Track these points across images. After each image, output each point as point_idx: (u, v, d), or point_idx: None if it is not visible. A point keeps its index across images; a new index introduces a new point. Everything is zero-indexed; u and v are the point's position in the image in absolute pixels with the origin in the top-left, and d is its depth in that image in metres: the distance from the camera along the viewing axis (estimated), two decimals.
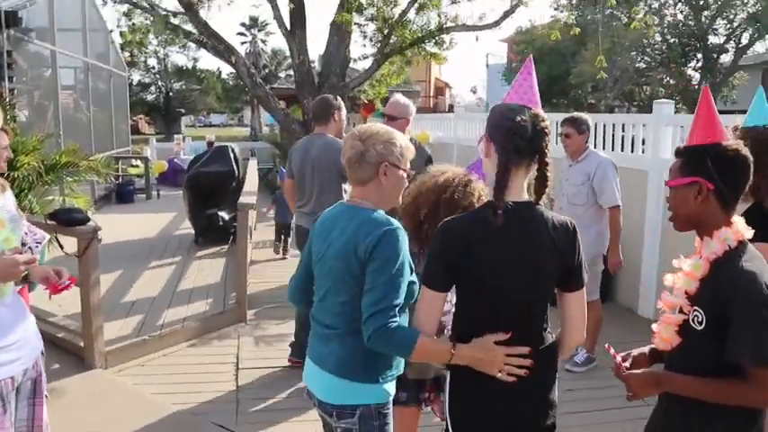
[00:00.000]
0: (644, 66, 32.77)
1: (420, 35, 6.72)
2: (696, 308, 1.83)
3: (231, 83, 47.89)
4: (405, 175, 2.13)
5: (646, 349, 2.12)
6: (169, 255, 7.87)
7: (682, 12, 30.85)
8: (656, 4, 30.44)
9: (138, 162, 14.53)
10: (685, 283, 1.88)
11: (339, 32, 6.79)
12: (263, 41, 44.95)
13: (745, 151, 1.85)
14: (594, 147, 7.52)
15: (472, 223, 1.88)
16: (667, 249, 5.98)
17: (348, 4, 6.23)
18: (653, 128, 6.39)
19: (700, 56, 32.58)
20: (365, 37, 6.81)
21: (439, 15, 6.64)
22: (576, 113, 4.97)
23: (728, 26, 30.88)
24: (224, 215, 8.26)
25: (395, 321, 1.88)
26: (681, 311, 1.90)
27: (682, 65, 32.79)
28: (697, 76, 33.05)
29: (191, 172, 8.37)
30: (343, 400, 2.06)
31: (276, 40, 54.43)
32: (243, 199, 5.76)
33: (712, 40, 31.96)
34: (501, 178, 1.83)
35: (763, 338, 1.71)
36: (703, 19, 30.30)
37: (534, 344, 1.91)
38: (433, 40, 6.69)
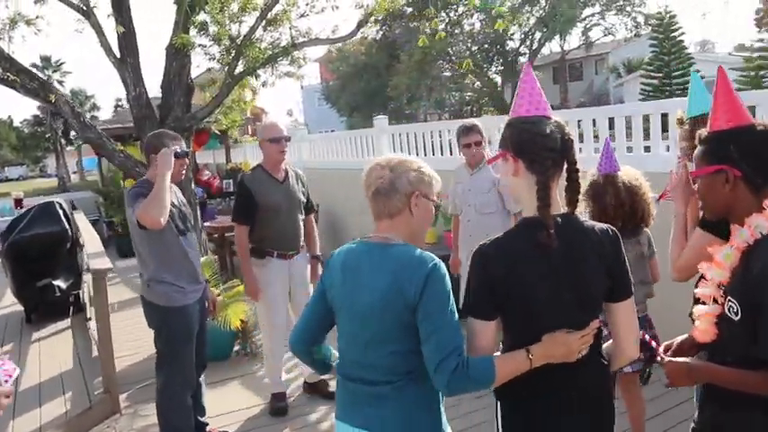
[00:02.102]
0: (451, 74, 34.62)
1: (272, 53, 6.08)
2: (730, 298, 1.76)
3: (27, 131, 43.16)
4: (433, 206, 1.98)
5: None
6: None
7: (480, 21, 32.99)
8: (455, 16, 32.24)
9: None
10: (717, 274, 1.82)
11: (178, 57, 5.94)
12: (60, 82, 40.90)
13: None
14: (451, 153, 7.43)
15: (513, 245, 1.78)
16: None
17: (190, 22, 5.43)
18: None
19: (500, 60, 35.14)
20: (211, 59, 6.04)
21: (291, 30, 6.05)
22: (469, 120, 4.68)
23: (521, 31, 33.57)
24: (60, 284, 6.94)
25: (463, 359, 1.73)
26: (715, 302, 1.83)
27: (486, 70, 35.10)
28: (499, 79, 35.60)
29: (11, 239, 6.93)
30: None
31: (74, 81, 50.34)
32: (96, 263, 4.72)
33: (509, 44, 34.61)
34: (544, 196, 1.73)
35: None
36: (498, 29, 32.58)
37: (590, 372, 1.83)
38: (288, 58, 6.07)
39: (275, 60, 6.09)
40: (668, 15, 22.40)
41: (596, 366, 1.86)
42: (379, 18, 6.45)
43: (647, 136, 5.23)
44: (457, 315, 1.80)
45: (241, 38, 5.98)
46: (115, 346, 5.42)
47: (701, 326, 1.88)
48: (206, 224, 8.43)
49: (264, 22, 6.00)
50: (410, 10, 28.25)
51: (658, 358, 1.97)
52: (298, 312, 4.52)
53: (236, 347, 5.58)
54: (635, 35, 31.63)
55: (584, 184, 2.80)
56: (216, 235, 8.45)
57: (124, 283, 8.76)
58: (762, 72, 19.03)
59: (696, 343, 1.99)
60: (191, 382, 3.70)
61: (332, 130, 30.36)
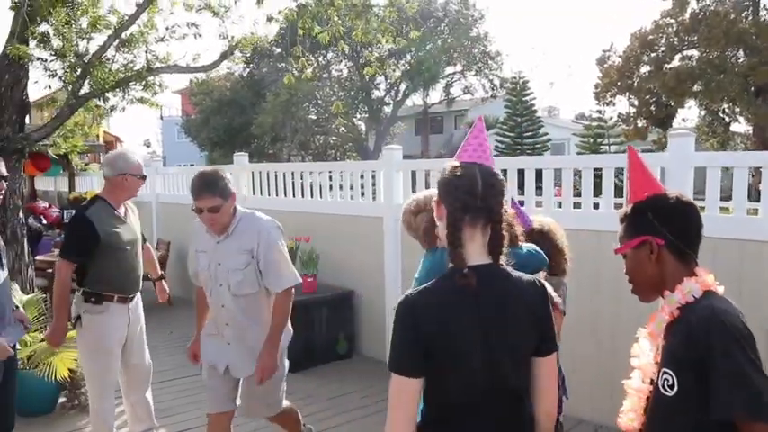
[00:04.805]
0: (316, 117, 34.89)
1: (125, 75, 5.61)
2: (665, 370, 1.58)
3: None
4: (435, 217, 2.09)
5: None
6: None
7: (348, 68, 33.64)
8: (323, 60, 32.69)
9: None
10: (653, 347, 1.67)
11: (13, 69, 5.30)
12: None
13: (686, 197, 1.74)
14: (312, 196, 7.24)
15: (441, 291, 1.64)
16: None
17: (28, 32, 4.86)
18: (385, 174, 6.30)
19: (365, 108, 35.96)
20: (53, 76, 5.42)
21: (147, 54, 5.63)
22: (209, 173, 3.10)
23: (387, 82, 34.65)
24: None
25: None
26: (647, 381, 1.69)
27: (351, 116, 35.69)
28: (364, 126, 36.37)
29: None
30: None
31: None
32: None
33: (375, 93, 35.55)
34: (452, 238, 1.64)
35: (755, 383, 1.44)
36: (366, 76, 33.45)
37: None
38: (142, 83, 5.63)
39: (127, 84, 5.62)
40: (521, 81, 24.08)
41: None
42: (246, 53, 6.19)
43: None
44: None
45: (89, 55, 5.46)
46: None
47: (627, 409, 1.75)
48: (37, 257, 7.53)
49: (117, 41, 5.54)
50: (279, 50, 28.24)
51: None
52: (129, 362, 3.97)
53: (62, 399, 4.90)
54: (491, 96, 33.68)
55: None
56: (50, 270, 7.56)
57: None
58: (599, 139, 20.86)
59: None
60: None
61: (191, 165, 29.14)
